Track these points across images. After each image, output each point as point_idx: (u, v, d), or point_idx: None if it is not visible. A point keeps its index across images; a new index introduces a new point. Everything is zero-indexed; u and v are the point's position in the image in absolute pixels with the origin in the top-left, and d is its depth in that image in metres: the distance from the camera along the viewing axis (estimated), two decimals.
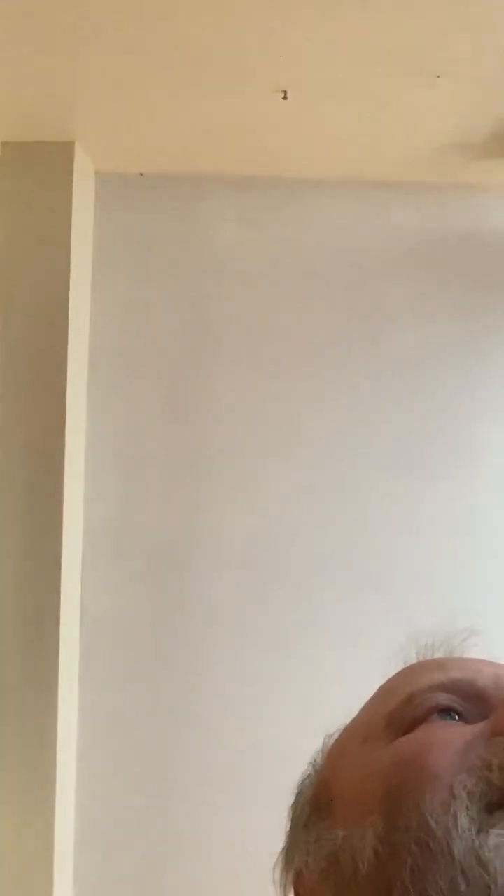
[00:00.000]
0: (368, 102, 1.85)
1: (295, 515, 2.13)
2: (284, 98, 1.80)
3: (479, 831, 0.45)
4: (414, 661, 0.62)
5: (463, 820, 0.46)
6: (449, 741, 0.51)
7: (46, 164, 2.02)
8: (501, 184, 2.15)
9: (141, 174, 2.16)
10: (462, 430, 2.16)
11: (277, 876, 0.57)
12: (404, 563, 2.11)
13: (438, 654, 0.62)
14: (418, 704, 0.55)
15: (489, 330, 2.18)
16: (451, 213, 2.18)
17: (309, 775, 0.59)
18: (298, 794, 0.59)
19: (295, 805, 0.58)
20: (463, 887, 0.44)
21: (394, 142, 2.01)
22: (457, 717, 0.54)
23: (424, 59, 1.69)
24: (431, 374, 2.16)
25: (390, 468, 2.14)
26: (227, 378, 2.15)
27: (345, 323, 2.17)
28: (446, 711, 0.54)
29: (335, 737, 0.60)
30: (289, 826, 0.58)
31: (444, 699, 0.55)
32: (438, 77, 1.74)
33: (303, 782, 0.59)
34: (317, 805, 0.56)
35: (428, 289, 2.18)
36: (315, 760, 0.60)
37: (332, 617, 2.09)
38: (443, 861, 0.45)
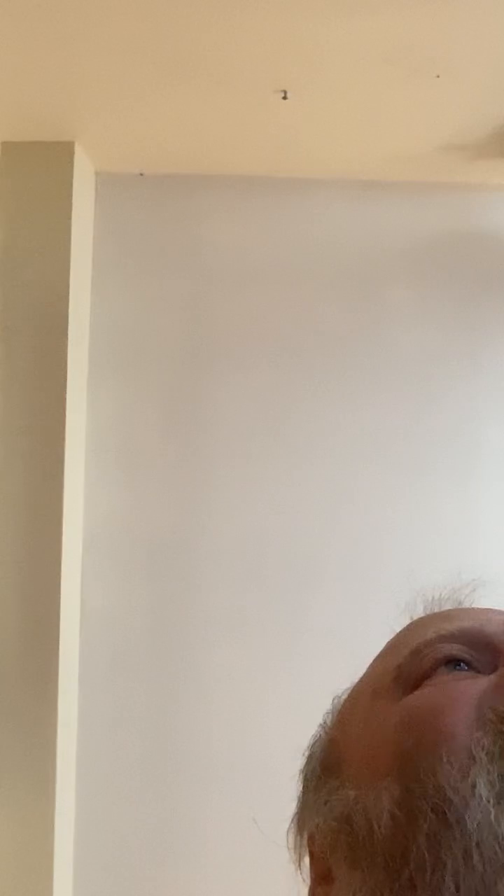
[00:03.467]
0: (368, 102, 1.85)
1: (295, 515, 2.13)
2: (284, 98, 1.80)
3: (498, 800, 0.44)
4: (422, 614, 0.61)
5: (481, 788, 0.45)
6: (461, 696, 0.49)
7: (46, 164, 2.02)
8: (501, 184, 2.15)
9: (141, 174, 2.16)
10: (462, 430, 2.16)
11: (291, 840, 0.56)
12: (404, 564, 2.11)
13: (446, 607, 0.61)
14: (426, 656, 0.54)
15: (489, 329, 2.18)
16: (451, 213, 2.18)
17: (319, 737, 0.58)
18: (309, 756, 0.58)
19: (306, 767, 0.57)
20: (476, 859, 0.43)
21: (394, 142, 2.01)
22: (466, 667, 0.53)
23: (424, 59, 1.69)
24: (431, 373, 2.16)
25: (390, 468, 2.14)
26: (227, 377, 2.15)
27: (345, 322, 2.17)
28: (455, 662, 0.53)
29: (344, 696, 0.59)
30: (300, 789, 0.57)
31: (452, 649, 0.53)
32: (438, 77, 1.74)
33: (313, 744, 0.58)
34: (327, 766, 0.55)
35: (428, 288, 2.18)
36: (325, 721, 0.59)
37: (332, 616, 2.09)
38: (458, 830, 0.44)
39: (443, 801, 0.45)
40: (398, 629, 0.60)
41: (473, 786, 0.45)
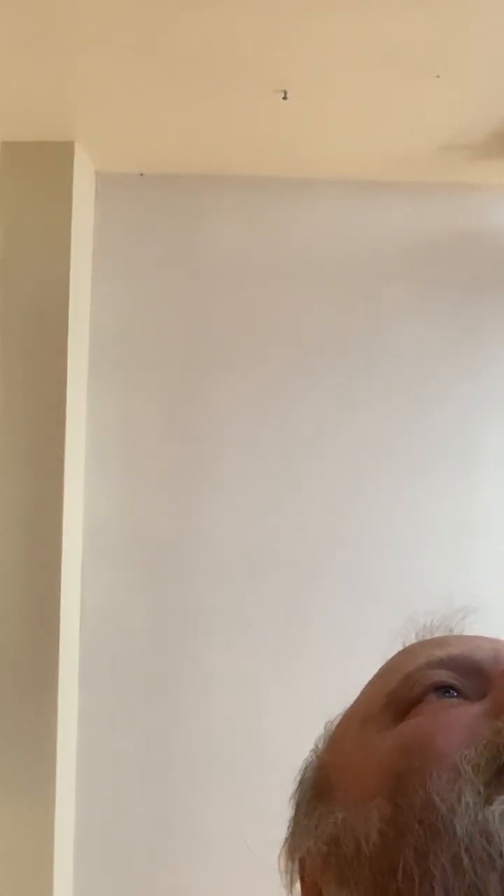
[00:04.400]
0: (368, 102, 1.85)
1: (294, 515, 2.13)
2: (284, 98, 1.80)
3: (485, 803, 0.45)
4: (413, 641, 0.61)
5: (467, 794, 0.45)
6: (453, 723, 0.50)
7: (46, 164, 2.02)
8: (501, 184, 2.15)
9: (141, 174, 2.16)
10: (462, 429, 2.16)
11: (282, 865, 0.56)
12: (404, 564, 2.11)
13: (437, 634, 0.62)
14: (416, 682, 0.54)
15: (488, 329, 2.18)
16: (451, 213, 2.18)
17: (311, 761, 0.59)
18: (300, 781, 0.58)
19: (297, 792, 0.58)
20: (466, 862, 0.43)
21: (394, 142, 2.01)
22: (455, 693, 0.53)
23: (424, 59, 1.69)
24: (431, 373, 2.16)
25: (390, 469, 2.14)
26: (227, 377, 2.15)
27: (344, 322, 2.17)
28: (444, 688, 0.53)
29: (336, 721, 0.60)
30: (291, 814, 0.57)
31: (441, 675, 0.54)
32: (438, 77, 1.73)
33: (305, 769, 0.58)
34: (317, 790, 0.55)
35: (428, 289, 2.18)
36: (316, 746, 0.59)
37: (332, 616, 2.09)
38: (445, 838, 0.44)
39: (430, 813, 0.45)
40: (390, 654, 0.60)
41: (460, 795, 0.45)
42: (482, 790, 0.45)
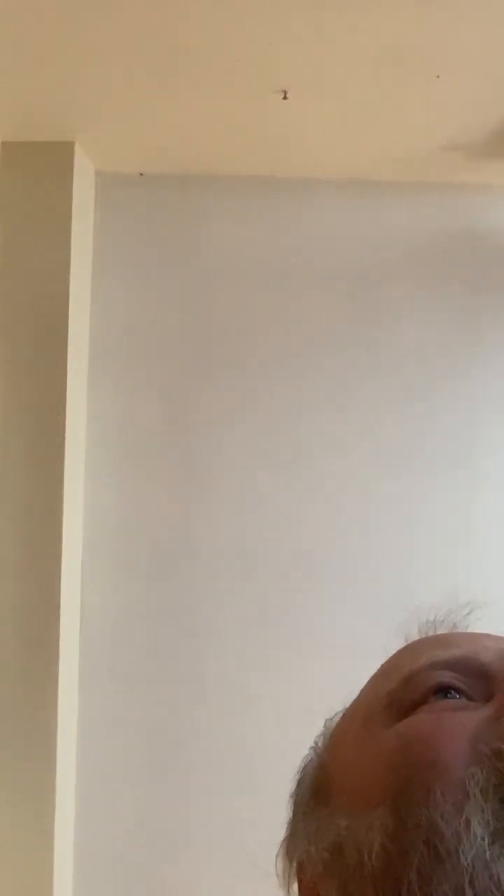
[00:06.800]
0: (368, 102, 1.85)
1: (295, 515, 2.13)
2: (284, 98, 1.80)
3: (492, 840, 0.43)
4: (416, 637, 0.59)
5: (476, 825, 0.43)
6: (456, 727, 0.48)
7: (46, 164, 2.02)
8: (501, 184, 2.15)
9: (141, 174, 2.16)
10: (462, 430, 2.16)
11: (280, 867, 0.55)
12: (404, 564, 2.11)
13: (441, 630, 0.60)
14: (419, 683, 0.52)
15: (489, 329, 2.18)
16: (451, 213, 2.18)
17: (310, 760, 0.57)
18: (299, 781, 0.56)
19: (296, 792, 0.56)
20: (469, 894, 0.42)
21: (394, 142, 2.01)
22: (459, 696, 0.51)
23: (424, 59, 1.69)
24: (431, 373, 2.16)
25: (390, 469, 2.14)
26: (227, 378, 2.15)
27: (344, 322, 2.17)
28: (448, 689, 0.52)
29: (336, 719, 0.58)
30: (290, 814, 0.56)
31: (445, 677, 0.52)
32: (438, 77, 1.74)
33: (304, 768, 0.57)
34: (317, 792, 0.54)
35: (428, 289, 2.18)
36: (316, 744, 0.58)
37: (332, 617, 2.09)
38: (450, 865, 0.43)
39: (435, 836, 0.44)
40: (392, 650, 0.59)
41: (468, 822, 0.44)
42: (492, 821, 0.44)
